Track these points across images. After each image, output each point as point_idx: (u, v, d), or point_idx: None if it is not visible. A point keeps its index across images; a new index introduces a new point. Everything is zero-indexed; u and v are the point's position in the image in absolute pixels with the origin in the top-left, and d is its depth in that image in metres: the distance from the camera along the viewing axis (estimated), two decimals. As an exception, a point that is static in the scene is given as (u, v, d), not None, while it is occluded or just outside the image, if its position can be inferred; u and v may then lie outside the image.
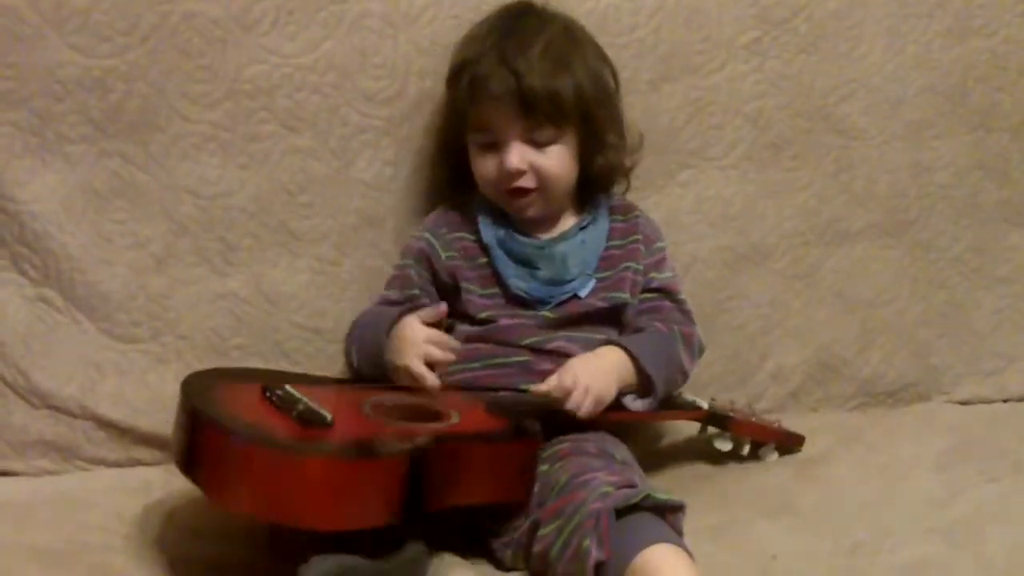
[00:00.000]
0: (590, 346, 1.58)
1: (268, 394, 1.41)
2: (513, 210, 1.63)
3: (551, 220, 1.66)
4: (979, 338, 1.96)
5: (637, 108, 1.76)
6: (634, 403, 1.56)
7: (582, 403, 1.49)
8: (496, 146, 1.59)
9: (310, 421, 1.35)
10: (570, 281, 1.62)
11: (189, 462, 1.36)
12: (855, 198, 1.90)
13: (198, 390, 1.42)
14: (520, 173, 1.58)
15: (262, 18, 1.69)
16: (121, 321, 1.70)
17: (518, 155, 1.58)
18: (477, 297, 1.61)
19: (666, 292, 1.67)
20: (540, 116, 1.57)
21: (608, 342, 1.58)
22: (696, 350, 1.67)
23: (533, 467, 1.43)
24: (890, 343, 1.93)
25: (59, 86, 1.65)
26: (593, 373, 1.51)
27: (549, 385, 1.50)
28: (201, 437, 1.34)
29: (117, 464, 1.69)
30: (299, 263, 1.73)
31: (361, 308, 1.70)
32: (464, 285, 1.62)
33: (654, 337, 1.62)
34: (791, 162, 1.88)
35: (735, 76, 1.84)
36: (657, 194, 1.82)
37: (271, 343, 1.73)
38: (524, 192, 1.60)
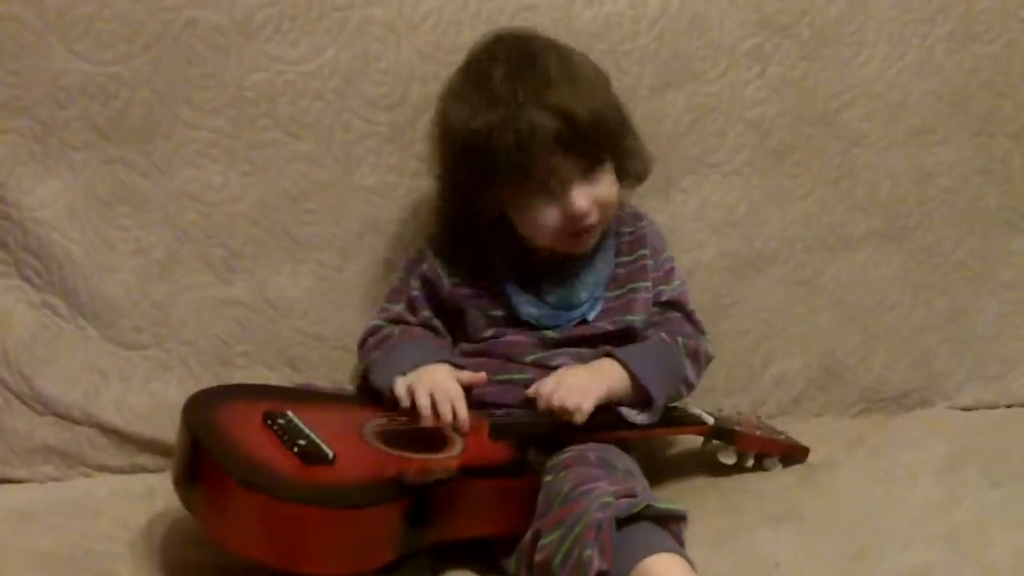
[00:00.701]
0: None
1: (270, 422, 1.40)
2: (574, 249, 1.59)
3: None
4: (982, 343, 1.96)
5: (639, 115, 1.75)
6: (634, 415, 1.55)
7: (566, 399, 1.47)
8: (549, 192, 1.53)
9: (312, 458, 1.33)
10: (580, 306, 1.60)
11: (188, 495, 1.35)
12: (857, 204, 1.91)
13: (200, 415, 1.40)
14: (588, 213, 1.54)
15: (265, 25, 1.70)
16: (125, 327, 1.70)
17: (585, 197, 1.53)
18: (482, 320, 1.60)
19: (675, 305, 1.66)
20: (589, 143, 1.52)
21: (604, 354, 1.56)
22: (703, 361, 1.67)
23: (535, 500, 1.41)
24: (893, 349, 1.93)
25: (63, 93, 1.65)
26: (579, 374, 1.51)
27: (536, 389, 1.50)
28: (200, 471, 1.33)
29: (121, 470, 1.69)
30: (302, 269, 1.74)
31: (365, 314, 1.70)
32: (470, 311, 1.60)
33: (653, 348, 1.61)
34: (793, 168, 1.88)
35: (737, 82, 1.85)
36: (659, 200, 1.82)
37: (275, 349, 1.73)
38: (589, 229, 1.57)
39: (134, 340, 1.70)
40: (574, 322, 1.60)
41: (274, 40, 1.70)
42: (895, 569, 1.42)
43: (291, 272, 1.73)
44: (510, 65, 1.55)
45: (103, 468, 1.69)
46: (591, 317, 1.60)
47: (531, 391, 1.52)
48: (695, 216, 1.85)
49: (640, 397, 1.55)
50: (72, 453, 1.68)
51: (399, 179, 1.75)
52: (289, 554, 1.27)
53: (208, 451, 1.32)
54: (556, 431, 1.49)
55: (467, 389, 1.51)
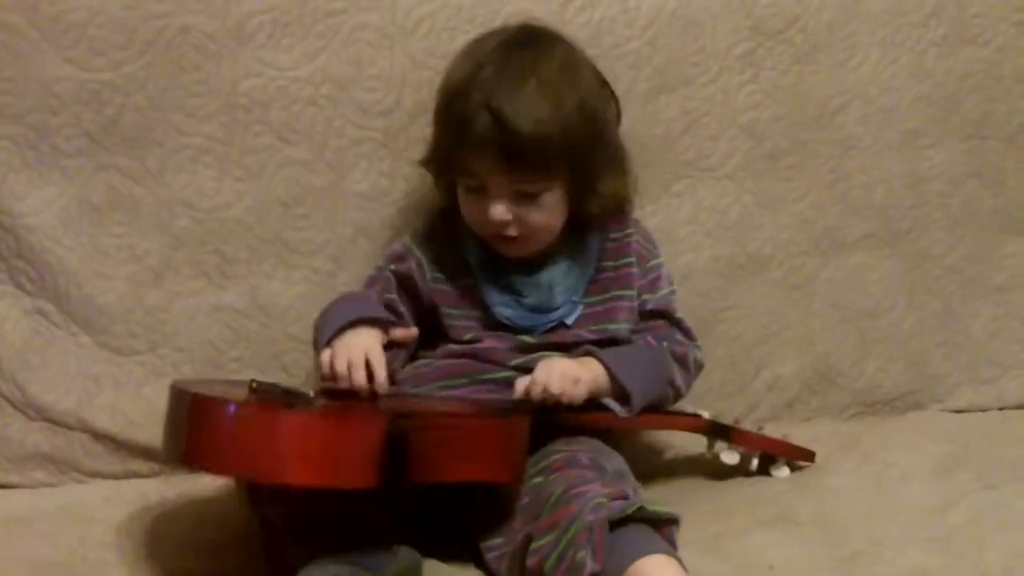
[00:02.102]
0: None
1: (254, 386, 1.39)
2: (499, 250, 1.58)
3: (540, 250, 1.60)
4: (976, 346, 1.96)
5: (632, 119, 1.76)
6: (616, 408, 1.54)
7: (549, 381, 1.46)
8: (482, 190, 1.53)
9: (293, 395, 1.35)
10: (556, 309, 1.59)
11: (173, 435, 1.35)
12: (851, 208, 1.91)
13: (184, 384, 1.41)
14: (505, 224, 1.53)
15: (257, 31, 1.70)
16: (118, 334, 1.70)
17: (502, 209, 1.52)
18: (460, 320, 1.59)
19: (660, 314, 1.64)
20: (526, 168, 1.50)
21: (585, 353, 1.55)
22: (692, 367, 1.65)
23: (521, 448, 1.40)
24: (887, 352, 1.93)
25: (55, 100, 1.65)
26: (567, 364, 1.49)
27: (521, 385, 1.48)
28: (184, 409, 1.33)
29: (114, 476, 1.69)
30: (295, 275, 1.74)
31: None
32: (446, 310, 1.59)
33: (635, 349, 1.60)
34: (787, 172, 1.88)
35: (730, 87, 1.85)
36: (653, 205, 1.82)
37: (268, 355, 1.73)
38: (509, 239, 1.56)
39: (127, 346, 1.70)
40: (551, 324, 1.58)
41: (267, 46, 1.70)
42: (889, 572, 1.42)
43: (284, 278, 1.73)
44: (503, 53, 1.54)
45: (96, 474, 1.69)
46: (569, 321, 1.59)
47: (519, 385, 1.49)
48: (689, 220, 1.85)
49: (618, 395, 1.54)
50: (65, 459, 1.68)
51: (392, 185, 1.75)
52: (268, 464, 1.26)
53: (193, 392, 1.34)
54: (545, 416, 1.48)
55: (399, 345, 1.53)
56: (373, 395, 1.46)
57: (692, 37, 1.83)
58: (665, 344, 1.62)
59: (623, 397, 1.54)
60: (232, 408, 1.29)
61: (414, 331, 1.57)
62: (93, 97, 1.66)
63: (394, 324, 1.56)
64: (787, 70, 1.86)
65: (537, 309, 1.59)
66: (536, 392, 1.47)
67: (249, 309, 1.72)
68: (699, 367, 1.67)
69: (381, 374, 1.46)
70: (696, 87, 1.84)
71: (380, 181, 1.75)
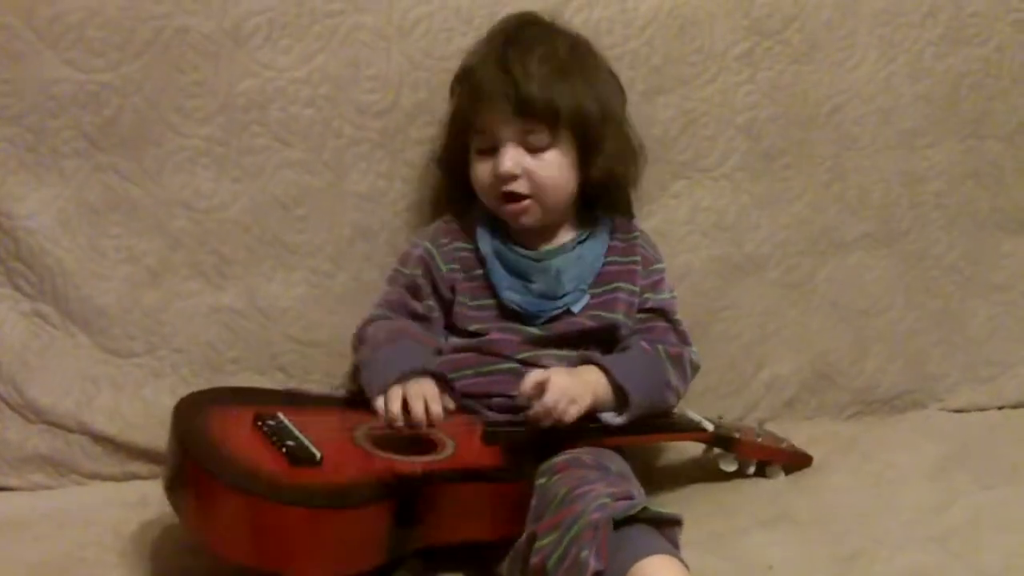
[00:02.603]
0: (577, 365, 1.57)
1: (260, 423, 1.40)
2: (508, 216, 1.62)
3: (549, 232, 1.65)
4: (974, 346, 1.96)
5: (631, 119, 1.76)
6: (612, 418, 1.54)
7: (558, 405, 1.47)
8: (494, 151, 1.59)
9: (299, 459, 1.34)
10: (563, 296, 1.61)
11: (177, 499, 1.35)
12: (849, 207, 1.91)
13: (188, 418, 1.40)
14: (513, 177, 1.58)
15: (255, 32, 1.70)
16: (116, 335, 1.70)
17: (511, 158, 1.57)
18: (469, 309, 1.61)
19: (660, 313, 1.65)
20: (534, 119, 1.56)
21: (584, 360, 1.56)
22: (688, 369, 1.65)
23: (526, 505, 1.40)
24: (885, 351, 1.93)
25: (53, 102, 1.65)
26: (566, 380, 1.50)
27: (526, 385, 1.48)
28: (188, 475, 1.33)
29: (113, 478, 1.69)
30: (294, 276, 1.74)
31: (356, 320, 1.68)
32: (458, 298, 1.62)
33: (633, 354, 1.60)
34: (784, 172, 1.88)
35: (728, 87, 1.85)
36: (651, 205, 1.83)
37: (266, 356, 1.73)
38: (518, 198, 1.60)
39: (126, 348, 1.70)
40: (557, 311, 1.60)
41: (265, 47, 1.70)
42: (888, 571, 1.42)
43: (282, 279, 1.73)
44: (511, 28, 1.64)
45: (96, 476, 1.69)
46: (576, 309, 1.61)
47: (524, 386, 1.49)
48: (686, 220, 1.85)
49: (618, 401, 1.55)
50: (64, 461, 1.68)
51: (390, 185, 1.75)
52: (275, 556, 1.26)
53: (195, 454, 1.33)
54: (548, 438, 1.49)
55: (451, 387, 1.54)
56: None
57: (690, 37, 1.83)
58: (660, 347, 1.62)
59: (622, 401, 1.54)
60: (236, 497, 1.27)
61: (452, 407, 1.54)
62: (91, 98, 1.66)
63: (446, 380, 1.55)
64: (785, 70, 1.87)
65: (545, 295, 1.61)
66: (533, 408, 1.48)
67: (247, 310, 1.72)
68: (695, 368, 1.68)
69: (437, 409, 1.48)
70: (694, 87, 1.84)
71: (378, 182, 1.75)
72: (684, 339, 1.66)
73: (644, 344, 1.62)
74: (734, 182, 1.87)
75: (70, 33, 1.65)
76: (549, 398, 1.47)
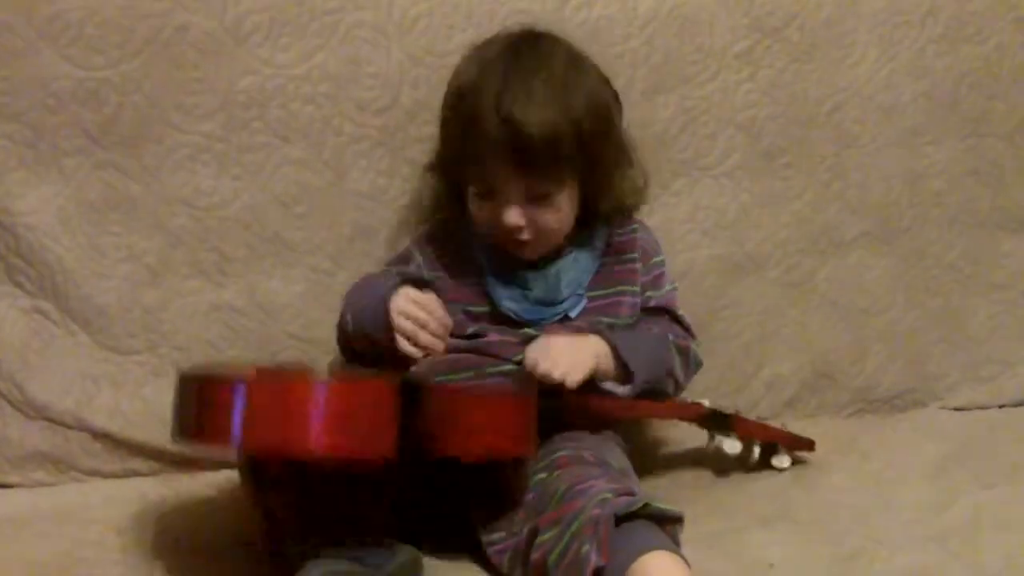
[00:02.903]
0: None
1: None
2: (517, 253, 1.58)
3: None
4: (974, 344, 1.97)
5: (631, 118, 1.75)
6: (615, 387, 1.53)
7: (553, 370, 1.46)
8: (493, 195, 1.53)
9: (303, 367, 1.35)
10: (561, 301, 1.59)
11: (185, 423, 1.33)
12: (849, 206, 1.91)
13: (192, 370, 1.40)
14: (519, 229, 1.52)
15: (255, 30, 1.69)
16: (116, 333, 1.70)
17: (516, 213, 1.51)
18: (464, 315, 1.58)
19: (663, 310, 1.64)
20: (539, 171, 1.49)
21: (593, 331, 1.54)
22: (692, 361, 1.65)
23: (535, 423, 1.38)
24: (885, 350, 1.93)
25: (53, 99, 1.65)
26: (566, 345, 1.49)
27: (528, 360, 1.48)
28: (195, 392, 1.32)
29: (113, 476, 1.69)
30: (294, 274, 1.74)
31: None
32: (450, 305, 1.57)
33: (641, 334, 1.59)
34: (785, 171, 1.88)
35: (728, 85, 1.85)
36: (651, 203, 1.81)
37: (266, 354, 1.72)
38: (522, 242, 1.55)
39: (126, 345, 1.70)
40: (556, 318, 1.58)
41: (265, 44, 1.70)
42: (888, 570, 1.42)
43: (282, 276, 1.73)
44: (510, 54, 1.53)
45: (96, 474, 1.69)
46: (573, 314, 1.58)
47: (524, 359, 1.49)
48: (687, 219, 1.85)
49: (622, 375, 1.54)
50: (64, 459, 1.68)
51: (390, 183, 1.75)
52: (282, 434, 1.24)
53: (196, 371, 1.34)
54: (547, 400, 1.47)
55: None
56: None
57: (690, 36, 1.83)
58: (669, 336, 1.62)
59: (625, 375, 1.53)
60: (242, 385, 1.26)
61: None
62: (91, 96, 1.66)
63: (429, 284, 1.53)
64: (785, 68, 1.87)
65: (542, 302, 1.58)
66: (537, 369, 1.46)
67: (248, 308, 1.72)
68: (698, 364, 1.67)
69: (438, 311, 1.46)
70: (694, 86, 1.84)
71: (378, 180, 1.74)
72: (689, 332, 1.66)
73: (655, 328, 1.61)
74: (734, 180, 1.87)
75: (70, 30, 1.65)
76: (545, 367, 1.46)
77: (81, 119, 1.66)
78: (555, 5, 1.77)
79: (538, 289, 1.59)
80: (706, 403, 1.66)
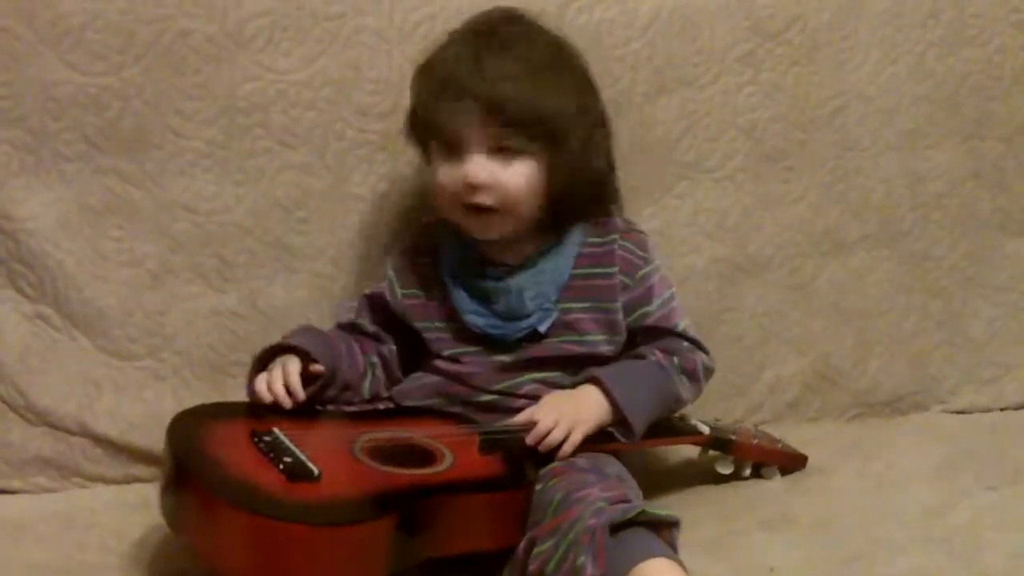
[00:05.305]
0: (563, 388, 1.53)
1: (256, 440, 1.38)
2: (471, 230, 1.55)
3: (513, 244, 1.56)
4: (976, 347, 1.96)
5: (632, 121, 1.76)
6: (618, 435, 1.52)
7: (557, 441, 1.45)
8: (458, 152, 1.50)
9: (296, 474, 1.32)
10: (527, 316, 1.54)
11: (173, 514, 1.34)
12: (850, 208, 1.91)
13: (184, 434, 1.38)
14: (479, 188, 1.49)
15: (256, 35, 1.70)
16: (118, 338, 1.70)
17: (482, 167, 1.49)
18: (434, 334, 1.57)
19: (662, 329, 1.59)
20: (508, 123, 1.46)
21: (588, 379, 1.52)
22: (702, 376, 1.61)
23: (527, 513, 1.39)
24: (887, 353, 1.93)
25: (54, 104, 1.65)
26: (572, 412, 1.47)
27: (526, 416, 1.47)
28: (186, 492, 1.32)
29: (115, 481, 1.69)
30: (295, 279, 1.74)
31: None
32: (420, 324, 1.58)
33: (643, 371, 1.56)
34: (786, 173, 1.88)
35: (730, 88, 1.85)
36: (653, 206, 1.83)
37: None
38: (483, 210, 1.51)
39: (127, 350, 1.70)
40: (523, 332, 1.54)
41: (266, 50, 1.70)
42: (889, 573, 1.42)
43: (284, 281, 1.73)
44: (489, 23, 1.54)
45: (97, 479, 1.69)
46: (543, 329, 1.54)
47: (521, 417, 1.48)
48: (689, 222, 1.85)
49: (620, 425, 1.52)
50: (66, 464, 1.68)
51: (392, 188, 1.75)
52: (275, 573, 1.25)
53: (193, 471, 1.31)
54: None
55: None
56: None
57: (691, 38, 1.83)
58: (676, 360, 1.58)
59: (624, 424, 1.51)
60: (235, 515, 1.26)
61: (321, 369, 1.50)
62: (92, 101, 1.66)
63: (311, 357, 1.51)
64: (786, 71, 1.87)
65: (508, 316, 1.55)
66: (542, 444, 1.46)
67: (249, 313, 1.73)
68: (709, 373, 1.64)
69: (294, 381, 1.46)
70: (695, 88, 1.84)
71: (380, 184, 1.75)
72: (696, 343, 1.61)
73: (659, 357, 1.57)
74: (736, 183, 1.87)
75: (71, 35, 1.65)
76: (551, 436, 1.45)
77: (82, 124, 1.66)
78: (556, 8, 1.76)
79: (501, 302, 1.55)
80: (706, 430, 1.64)
